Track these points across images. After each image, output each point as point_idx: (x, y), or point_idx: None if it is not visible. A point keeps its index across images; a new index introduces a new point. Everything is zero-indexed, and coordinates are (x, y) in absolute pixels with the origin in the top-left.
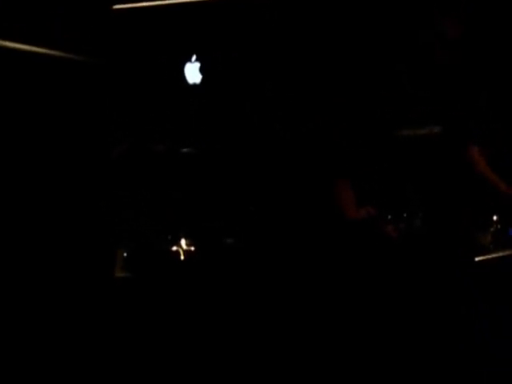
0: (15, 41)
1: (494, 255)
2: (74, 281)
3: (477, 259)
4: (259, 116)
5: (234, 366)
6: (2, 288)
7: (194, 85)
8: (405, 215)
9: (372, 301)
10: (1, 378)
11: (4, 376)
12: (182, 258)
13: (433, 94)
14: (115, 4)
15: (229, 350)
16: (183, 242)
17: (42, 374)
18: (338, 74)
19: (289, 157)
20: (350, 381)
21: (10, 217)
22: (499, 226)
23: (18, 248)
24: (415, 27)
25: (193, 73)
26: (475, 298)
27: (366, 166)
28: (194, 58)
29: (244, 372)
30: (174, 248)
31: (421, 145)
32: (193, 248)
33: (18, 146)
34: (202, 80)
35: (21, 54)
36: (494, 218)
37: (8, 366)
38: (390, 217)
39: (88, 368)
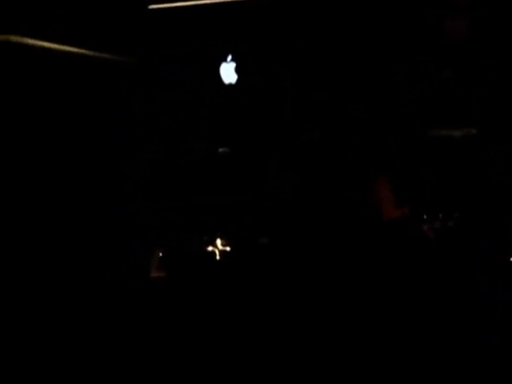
0: (50, 41)
1: None
2: (112, 280)
3: None
4: (294, 115)
5: (264, 359)
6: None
7: (230, 85)
8: (440, 216)
9: (407, 298)
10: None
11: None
12: (218, 258)
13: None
14: (152, 4)
15: (261, 347)
16: (219, 242)
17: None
18: (375, 72)
19: (326, 156)
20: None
21: (39, 216)
22: None
23: (48, 249)
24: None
25: (228, 73)
26: (509, 298)
27: (403, 166)
28: (229, 58)
29: (272, 364)
30: (210, 248)
31: (458, 146)
32: (228, 248)
33: (49, 143)
34: (238, 80)
35: (54, 54)
36: None
37: (22, 363)
38: (425, 217)
39: (120, 365)
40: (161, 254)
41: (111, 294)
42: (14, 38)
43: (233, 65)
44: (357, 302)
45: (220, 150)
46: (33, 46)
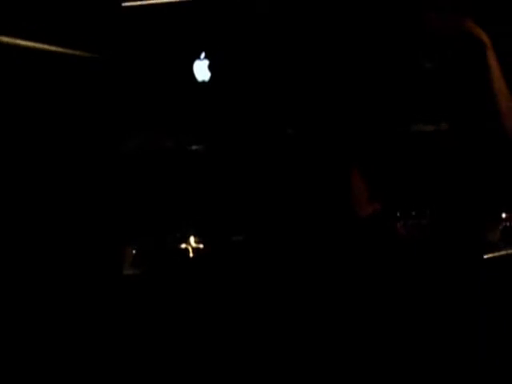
0: (19, 37)
1: (503, 252)
2: (81, 278)
3: (485, 257)
4: (268, 112)
5: (242, 364)
6: (7, 284)
7: (203, 82)
8: (413, 213)
9: (379, 298)
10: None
11: (5, 376)
12: (191, 255)
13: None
14: (124, 1)
15: (236, 347)
16: (192, 239)
17: (44, 373)
18: (349, 65)
19: (299, 152)
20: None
21: (14, 212)
22: (509, 224)
23: (21, 245)
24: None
25: (202, 70)
26: (483, 296)
27: (375, 162)
28: (202, 55)
29: (249, 369)
30: (183, 245)
31: (430, 141)
32: (202, 245)
33: (23, 144)
34: (211, 77)
35: (25, 51)
36: (504, 215)
37: (9, 366)
38: (398, 214)
39: (94, 366)
40: (134, 252)
41: (80, 291)
42: None
43: (206, 62)
44: (331, 298)
45: (193, 147)
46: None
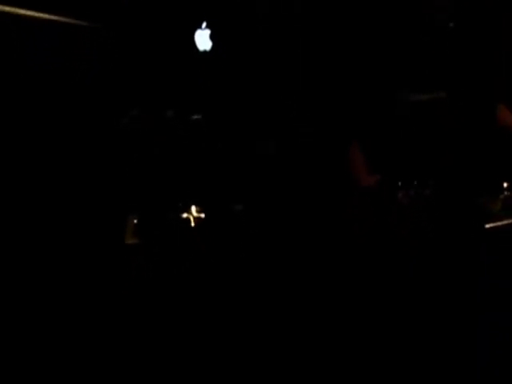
0: (20, 6)
1: (504, 222)
2: (84, 247)
3: (487, 226)
4: (268, 82)
5: (242, 336)
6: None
7: (205, 52)
8: (415, 182)
9: (382, 270)
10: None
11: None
12: (193, 224)
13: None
14: None
15: (236, 318)
16: (193, 209)
17: (48, 347)
18: (347, 38)
19: (299, 123)
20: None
21: (17, 184)
22: (509, 193)
23: (25, 215)
24: None
25: (203, 40)
26: (484, 265)
27: (376, 132)
28: (204, 25)
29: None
30: (185, 215)
31: (430, 110)
32: (203, 215)
33: (16, 115)
34: (212, 47)
35: (19, 19)
36: (505, 184)
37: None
38: (400, 184)
39: (97, 339)
40: (135, 221)
41: (84, 260)
42: None
43: (207, 32)
44: (333, 272)
45: (194, 117)
46: None
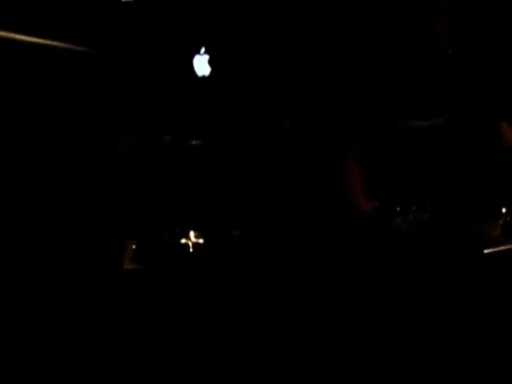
0: (17, 32)
1: (503, 248)
2: (82, 272)
3: (486, 251)
4: (267, 107)
5: (242, 359)
6: (7, 278)
7: (203, 77)
8: (414, 208)
9: (378, 291)
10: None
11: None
12: (191, 250)
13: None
14: None
15: (235, 342)
16: (192, 234)
17: (43, 367)
18: (348, 59)
19: (298, 148)
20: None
21: (14, 209)
22: (508, 218)
23: (22, 241)
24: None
25: (202, 65)
26: (483, 291)
27: (375, 159)
28: (202, 50)
29: (247, 362)
30: (183, 240)
31: (429, 136)
32: (201, 240)
33: (20, 140)
34: (211, 72)
35: (23, 46)
36: (503, 210)
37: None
38: (398, 209)
39: (94, 361)
40: (134, 246)
41: (82, 286)
42: None
43: (206, 57)
44: (331, 294)
45: (192, 142)
46: None
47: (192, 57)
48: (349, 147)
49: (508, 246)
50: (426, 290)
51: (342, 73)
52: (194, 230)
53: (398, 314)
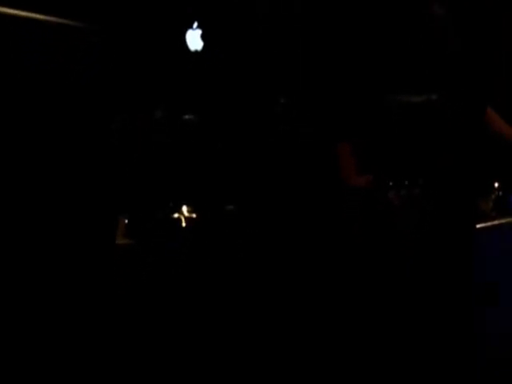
0: (7, 5)
1: (495, 222)
2: (75, 247)
3: (478, 226)
4: (260, 82)
5: (235, 341)
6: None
7: (196, 52)
8: (406, 182)
9: (372, 267)
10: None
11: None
12: (184, 224)
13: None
14: None
15: (229, 318)
16: (185, 209)
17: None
18: (338, 36)
19: (288, 123)
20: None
21: (7, 182)
22: (500, 193)
23: (16, 214)
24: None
25: (194, 40)
26: (475, 265)
27: (366, 133)
28: (195, 25)
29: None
30: (176, 215)
31: (420, 111)
32: (194, 215)
33: (10, 115)
34: (204, 47)
35: (14, 20)
36: (496, 184)
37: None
38: (391, 183)
39: (87, 340)
40: (126, 221)
41: (75, 260)
42: None
43: (199, 32)
44: (323, 271)
45: (185, 117)
46: None
47: (185, 31)
48: (339, 123)
49: (500, 221)
50: (420, 265)
51: (332, 49)
52: (187, 205)
53: (394, 301)
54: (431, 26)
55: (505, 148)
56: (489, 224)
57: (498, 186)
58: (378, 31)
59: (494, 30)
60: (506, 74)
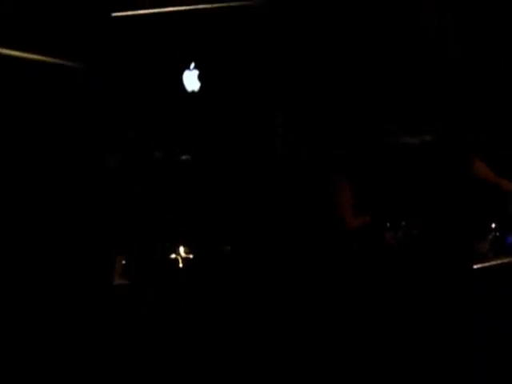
0: (11, 48)
1: (492, 263)
2: (73, 287)
3: (475, 267)
4: (256, 124)
5: (232, 372)
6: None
7: (193, 92)
8: (403, 223)
9: (370, 307)
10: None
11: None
12: (181, 265)
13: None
14: (114, 11)
15: (227, 356)
16: (182, 249)
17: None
18: (338, 77)
19: (288, 163)
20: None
21: (7, 223)
22: (497, 234)
23: (17, 253)
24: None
25: (191, 80)
26: (472, 305)
27: (365, 176)
28: (192, 65)
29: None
30: (173, 256)
31: (417, 153)
32: (191, 256)
33: (14, 153)
34: (201, 88)
35: (18, 61)
36: (493, 225)
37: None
38: (388, 225)
39: (86, 374)
40: (123, 262)
41: (72, 300)
42: None
43: (196, 72)
44: (319, 308)
45: (182, 157)
46: None
47: (182, 72)
48: (337, 164)
49: (497, 261)
50: (417, 305)
51: (329, 89)
52: (184, 246)
53: (388, 329)
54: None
55: (495, 192)
56: (486, 264)
57: (495, 227)
58: (374, 76)
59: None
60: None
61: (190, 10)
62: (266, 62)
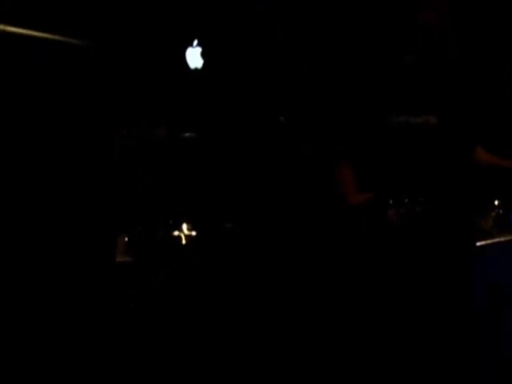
0: (12, 24)
1: (495, 240)
2: (75, 265)
3: (478, 244)
4: (260, 100)
5: (235, 357)
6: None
7: (196, 69)
8: (406, 200)
9: (373, 286)
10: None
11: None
12: (184, 242)
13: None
14: None
15: (229, 337)
16: (185, 226)
17: (40, 358)
18: (339, 59)
19: (289, 141)
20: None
21: (9, 203)
22: (501, 211)
23: (17, 234)
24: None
25: (194, 58)
26: (476, 284)
27: (368, 151)
28: (195, 42)
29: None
30: (176, 233)
31: (421, 131)
32: (194, 233)
33: (14, 133)
34: (204, 65)
35: (18, 38)
36: (496, 202)
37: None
38: (391, 202)
39: (89, 353)
40: (126, 239)
41: (75, 278)
42: None
43: (199, 50)
44: (323, 288)
45: (185, 135)
46: None
47: (185, 49)
48: (339, 142)
49: (500, 238)
50: (419, 283)
51: (332, 68)
52: (187, 223)
53: (391, 304)
54: (430, 37)
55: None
56: (489, 241)
57: (499, 204)
58: (377, 50)
59: (494, 37)
60: (506, 79)
61: None
62: (269, 40)
